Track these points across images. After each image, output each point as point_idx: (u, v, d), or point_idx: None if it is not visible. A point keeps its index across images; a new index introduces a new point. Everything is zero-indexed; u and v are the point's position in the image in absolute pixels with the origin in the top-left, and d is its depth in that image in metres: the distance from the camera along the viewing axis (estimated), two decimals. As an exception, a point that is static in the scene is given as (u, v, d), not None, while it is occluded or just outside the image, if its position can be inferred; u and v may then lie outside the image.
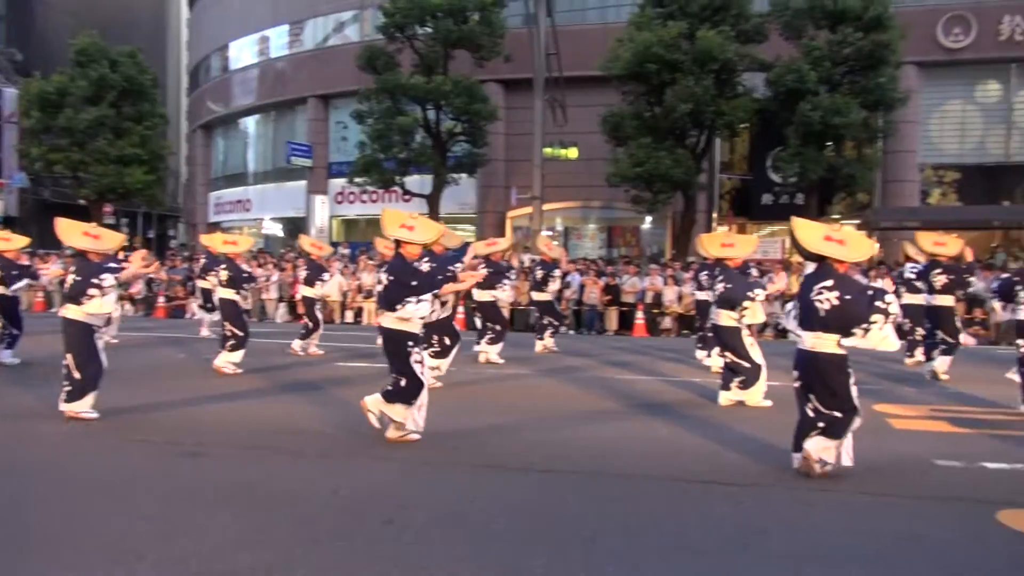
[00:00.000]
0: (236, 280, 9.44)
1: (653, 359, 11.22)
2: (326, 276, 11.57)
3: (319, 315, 11.39)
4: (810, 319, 4.87)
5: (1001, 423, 6.84)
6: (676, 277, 16.52)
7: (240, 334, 9.25)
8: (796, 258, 9.74)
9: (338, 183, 27.31)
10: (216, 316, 10.70)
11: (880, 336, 4.62)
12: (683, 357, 11.01)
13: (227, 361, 9.22)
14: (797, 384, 5.08)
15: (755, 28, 19.73)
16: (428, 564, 3.62)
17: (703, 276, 10.15)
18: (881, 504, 4.60)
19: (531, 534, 4.04)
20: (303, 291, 11.58)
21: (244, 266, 10.27)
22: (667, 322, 16.13)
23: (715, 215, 24.58)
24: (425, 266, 6.54)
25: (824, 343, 4.82)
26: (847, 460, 4.92)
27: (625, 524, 4.21)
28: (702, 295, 10.36)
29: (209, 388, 8.17)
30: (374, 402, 5.71)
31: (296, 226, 28.38)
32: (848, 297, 4.67)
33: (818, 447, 4.88)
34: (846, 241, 4.84)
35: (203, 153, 35.80)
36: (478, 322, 10.74)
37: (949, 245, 9.52)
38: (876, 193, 23.33)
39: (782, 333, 12.86)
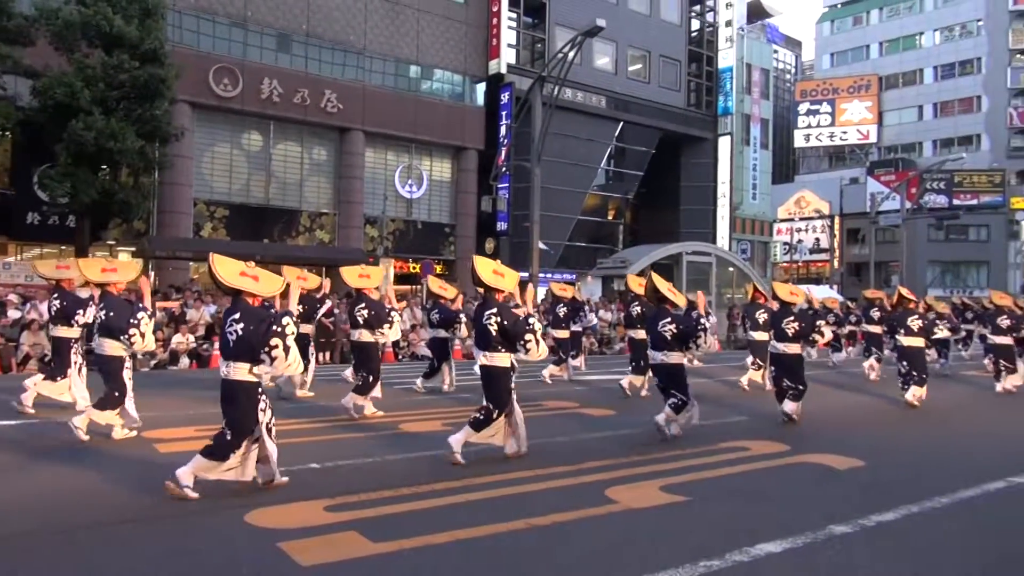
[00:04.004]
0: None
1: None
2: None
3: None
4: (225, 349, 5.51)
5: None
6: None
7: None
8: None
9: None
10: None
11: (284, 362, 5.33)
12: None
13: None
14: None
15: (19, 29, 17.83)
16: None
17: (55, 304, 8.44)
18: (152, 529, 4.78)
19: None
20: None
21: None
22: None
23: (-35, 232, 21.13)
24: None
25: (236, 370, 5.44)
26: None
27: None
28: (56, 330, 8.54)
29: None
30: None
31: None
32: (251, 328, 5.37)
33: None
34: (260, 277, 5.58)
35: None
36: None
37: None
38: (152, 222, 23.72)
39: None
